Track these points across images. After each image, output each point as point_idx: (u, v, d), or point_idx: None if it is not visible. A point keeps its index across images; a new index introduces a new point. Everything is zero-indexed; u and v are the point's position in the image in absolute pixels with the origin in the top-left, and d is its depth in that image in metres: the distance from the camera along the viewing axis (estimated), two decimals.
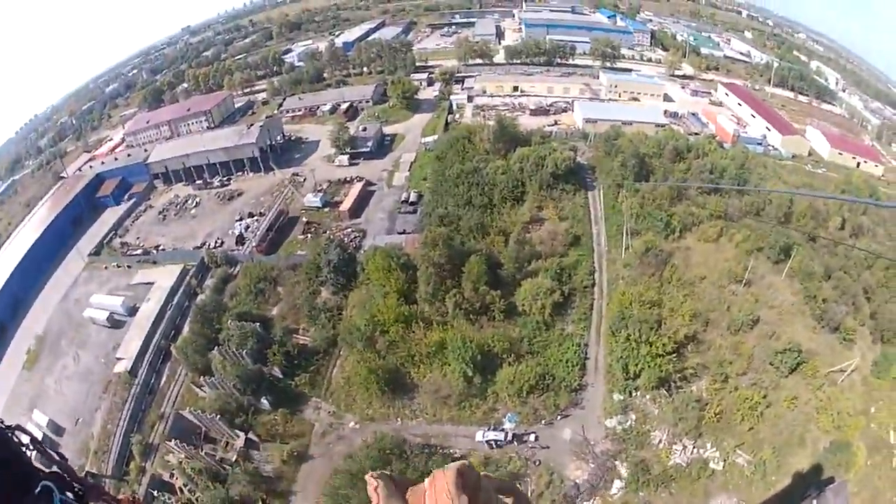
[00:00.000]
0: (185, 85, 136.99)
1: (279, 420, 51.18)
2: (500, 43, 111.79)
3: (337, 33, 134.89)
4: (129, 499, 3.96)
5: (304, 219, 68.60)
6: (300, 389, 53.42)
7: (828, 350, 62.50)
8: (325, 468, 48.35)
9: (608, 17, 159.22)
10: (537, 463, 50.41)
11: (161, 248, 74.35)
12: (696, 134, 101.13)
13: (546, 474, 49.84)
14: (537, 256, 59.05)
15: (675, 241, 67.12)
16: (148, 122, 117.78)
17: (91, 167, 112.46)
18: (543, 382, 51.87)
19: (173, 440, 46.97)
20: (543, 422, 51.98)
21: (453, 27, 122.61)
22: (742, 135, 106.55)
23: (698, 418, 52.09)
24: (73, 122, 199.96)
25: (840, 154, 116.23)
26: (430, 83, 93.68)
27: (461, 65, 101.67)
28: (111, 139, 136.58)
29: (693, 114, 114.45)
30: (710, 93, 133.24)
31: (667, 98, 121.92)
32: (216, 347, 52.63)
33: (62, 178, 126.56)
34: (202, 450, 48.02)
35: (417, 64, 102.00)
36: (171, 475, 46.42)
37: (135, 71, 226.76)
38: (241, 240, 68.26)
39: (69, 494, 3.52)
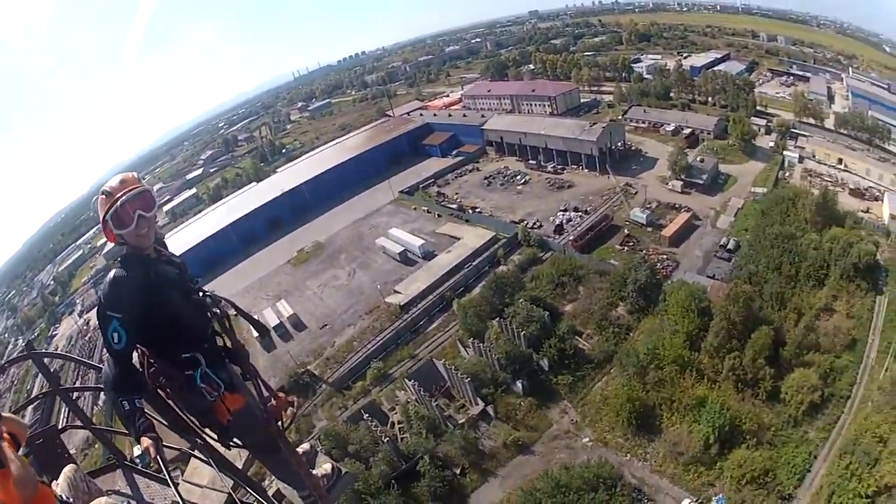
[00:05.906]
0: (532, 66, 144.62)
1: (524, 406, 52.09)
2: (830, 106, 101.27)
3: (685, 55, 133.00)
4: (286, 398, 4.09)
5: (626, 231, 67.76)
6: (556, 387, 53.23)
7: None
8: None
9: None
10: None
11: (478, 210, 77.33)
12: None
13: None
14: (816, 348, 53.52)
15: None
16: (489, 92, 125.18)
17: (422, 115, 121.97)
18: (763, 479, 45.32)
19: (411, 381, 48.63)
20: None
21: (791, 77, 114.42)
22: None
23: None
24: (407, 68, 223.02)
25: None
26: (768, 132, 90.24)
27: (795, 120, 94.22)
28: (447, 95, 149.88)
29: None
30: None
31: None
32: (497, 318, 54.10)
33: (387, 115, 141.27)
34: (435, 399, 48.42)
35: (757, 108, 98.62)
36: (392, 408, 48.53)
37: (478, 39, 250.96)
38: (559, 229, 68.90)
39: (222, 374, 3.81)
